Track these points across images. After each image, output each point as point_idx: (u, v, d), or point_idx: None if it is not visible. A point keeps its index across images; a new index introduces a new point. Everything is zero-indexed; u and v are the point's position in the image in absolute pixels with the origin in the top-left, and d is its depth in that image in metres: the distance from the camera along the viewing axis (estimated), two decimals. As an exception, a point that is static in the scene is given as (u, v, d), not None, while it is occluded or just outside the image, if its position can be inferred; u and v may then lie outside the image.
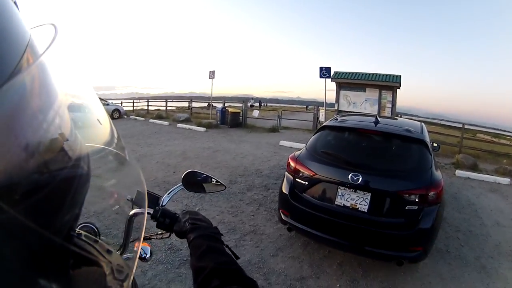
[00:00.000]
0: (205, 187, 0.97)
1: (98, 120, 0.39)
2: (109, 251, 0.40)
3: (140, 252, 0.94)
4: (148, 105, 21.10)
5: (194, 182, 0.96)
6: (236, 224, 3.62)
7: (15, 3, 0.27)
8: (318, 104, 15.49)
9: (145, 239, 0.97)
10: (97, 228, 0.88)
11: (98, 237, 0.88)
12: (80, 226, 0.81)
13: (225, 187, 0.98)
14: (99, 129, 0.39)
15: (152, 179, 5.32)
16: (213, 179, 0.96)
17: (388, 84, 12.31)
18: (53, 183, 0.25)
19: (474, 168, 7.17)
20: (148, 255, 0.95)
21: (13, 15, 0.26)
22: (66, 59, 0.32)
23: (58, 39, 0.28)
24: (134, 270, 0.39)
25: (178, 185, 0.95)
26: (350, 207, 2.64)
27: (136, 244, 0.95)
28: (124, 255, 0.89)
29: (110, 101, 18.52)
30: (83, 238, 0.37)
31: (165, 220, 0.83)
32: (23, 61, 0.24)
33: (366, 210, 2.59)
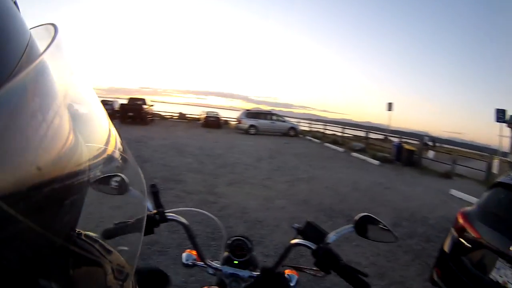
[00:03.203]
0: (374, 233, 0.85)
1: (98, 120, 0.39)
2: (109, 251, 0.40)
3: (287, 278, 0.93)
4: (324, 129, 21.84)
5: (367, 227, 0.85)
6: (387, 271, 3.41)
7: (15, 3, 0.27)
8: (491, 152, 13.36)
9: (297, 268, 0.94)
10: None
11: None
12: None
13: (397, 239, 0.86)
14: (99, 129, 0.39)
15: (317, 203, 5.30)
16: (386, 228, 0.85)
17: None
18: (53, 183, 0.25)
19: None
20: (293, 284, 0.92)
21: (13, 15, 0.26)
22: (66, 59, 0.32)
23: (58, 39, 0.28)
24: (134, 268, 0.39)
25: (349, 226, 0.85)
26: (502, 284, 2.10)
27: (287, 271, 0.94)
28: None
29: (286, 119, 19.58)
30: (83, 238, 0.37)
31: (326, 261, 0.77)
32: (23, 61, 0.24)
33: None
